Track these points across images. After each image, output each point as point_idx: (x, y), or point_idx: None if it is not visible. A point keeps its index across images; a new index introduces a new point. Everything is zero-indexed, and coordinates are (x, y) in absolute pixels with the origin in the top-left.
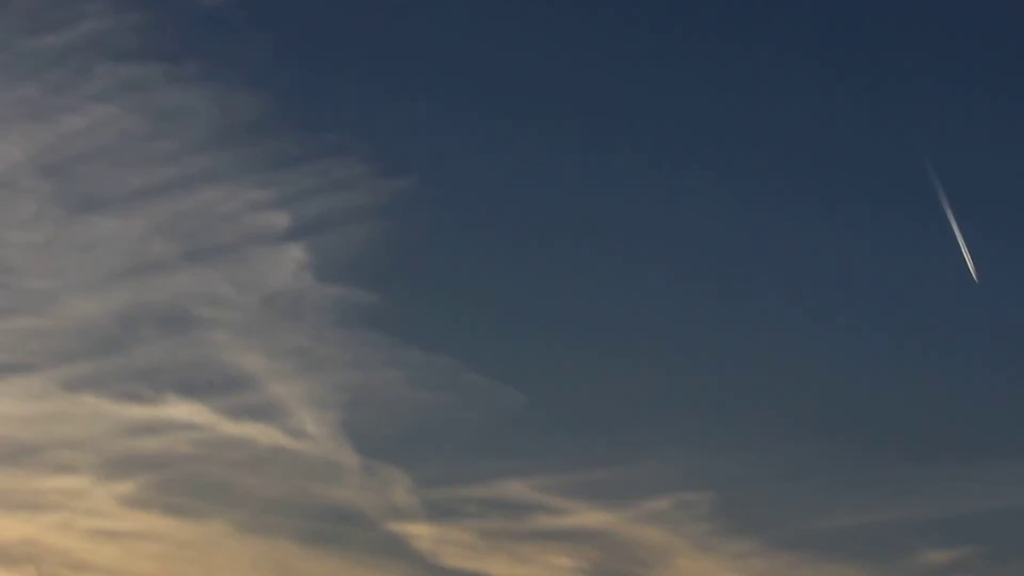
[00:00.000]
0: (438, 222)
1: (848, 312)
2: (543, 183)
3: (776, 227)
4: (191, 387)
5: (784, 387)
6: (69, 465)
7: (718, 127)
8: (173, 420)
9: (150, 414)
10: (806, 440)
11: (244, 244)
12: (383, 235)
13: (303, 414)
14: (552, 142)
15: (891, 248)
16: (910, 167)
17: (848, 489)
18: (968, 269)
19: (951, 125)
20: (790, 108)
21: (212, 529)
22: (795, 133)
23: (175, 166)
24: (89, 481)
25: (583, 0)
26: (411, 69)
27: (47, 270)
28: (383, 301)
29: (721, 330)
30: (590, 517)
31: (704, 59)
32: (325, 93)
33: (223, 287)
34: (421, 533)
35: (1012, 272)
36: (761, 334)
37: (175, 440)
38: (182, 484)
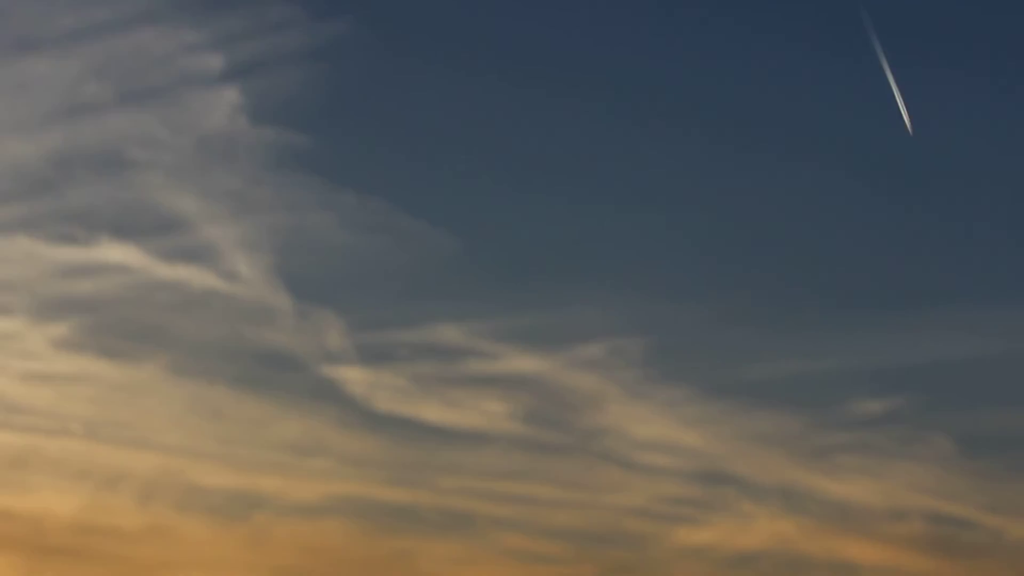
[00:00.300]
0: (372, 65)
1: (785, 161)
2: (478, 25)
3: (713, 70)
4: (125, 229)
5: (719, 235)
6: (2, 307)
7: None
8: (107, 262)
9: (84, 256)
10: (741, 288)
11: (178, 86)
12: (318, 78)
13: (236, 257)
14: None
15: (827, 96)
16: (844, 9)
17: (782, 338)
18: (903, 118)
19: None
20: None
21: (146, 372)
22: None
23: (109, 7)
24: (23, 324)
25: None
26: None
27: None
28: (317, 144)
29: (656, 176)
30: (523, 362)
31: None
32: None
33: (157, 129)
34: (354, 377)
35: (949, 120)
36: (697, 180)
37: (109, 282)
38: (116, 327)
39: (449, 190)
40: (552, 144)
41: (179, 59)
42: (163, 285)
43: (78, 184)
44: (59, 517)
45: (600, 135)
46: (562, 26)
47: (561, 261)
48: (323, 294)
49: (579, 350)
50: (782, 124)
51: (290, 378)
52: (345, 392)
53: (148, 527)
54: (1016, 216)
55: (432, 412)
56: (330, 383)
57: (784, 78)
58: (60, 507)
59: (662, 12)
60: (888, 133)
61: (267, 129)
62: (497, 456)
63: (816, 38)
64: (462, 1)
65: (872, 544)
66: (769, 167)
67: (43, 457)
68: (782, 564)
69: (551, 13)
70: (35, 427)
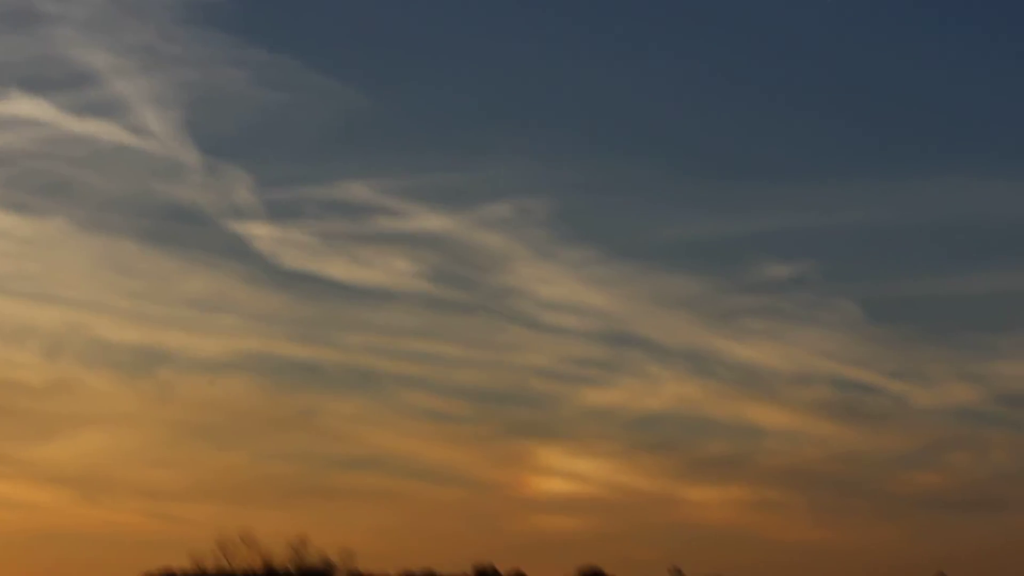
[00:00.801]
0: None
1: (685, 31)
2: None
3: None
4: (35, 83)
5: (628, 97)
6: None
7: None
8: (16, 116)
9: None
10: (650, 151)
11: None
12: None
13: (146, 112)
14: None
15: None
16: None
17: (692, 201)
18: None
19: None
20: None
21: (53, 226)
22: None
23: None
24: None
25: None
26: None
27: None
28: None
29: (571, 39)
30: (430, 221)
31: None
32: None
33: None
34: (261, 233)
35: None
36: (607, 46)
37: (17, 137)
38: (24, 181)
39: (360, 49)
40: (463, 8)
41: None
42: (72, 139)
43: None
44: None
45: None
46: None
47: (471, 120)
48: (232, 150)
49: (487, 210)
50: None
51: (197, 234)
52: (252, 248)
53: (54, 381)
54: (920, 89)
55: (338, 269)
56: (237, 239)
57: None
58: None
59: None
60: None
61: None
62: (403, 314)
63: None
64: None
65: (777, 408)
66: (683, 30)
67: None
68: (687, 426)
69: None
70: None
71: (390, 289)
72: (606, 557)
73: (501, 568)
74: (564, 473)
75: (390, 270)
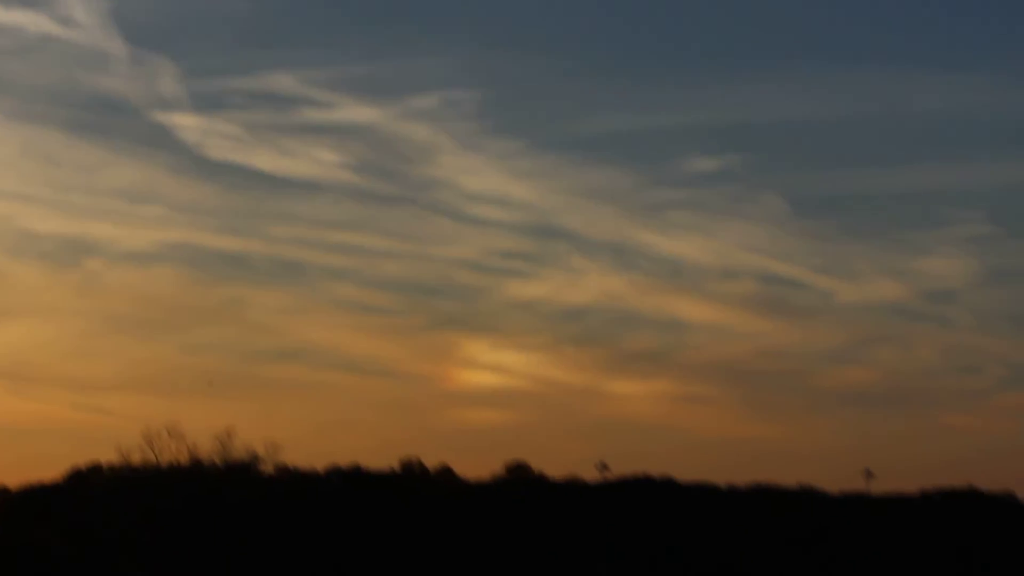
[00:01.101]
0: None
1: None
2: None
3: None
4: None
5: None
6: None
7: None
8: None
9: None
10: (577, 41)
11: None
12: None
13: (73, 2)
14: None
15: None
16: None
17: (618, 92)
18: None
19: None
20: None
21: None
22: None
23: None
24: None
25: None
26: None
27: None
28: None
29: None
30: (357, 112)
31: None
32: None
33: None
34: (187, 124)
35: None
36: None
37: None
38: None
39: None
40: None
41: None
42: None
43: None
44: None
45: None
46: None
47: (398, 12)
48: (158, 40)
49: (412, 101)
50: None
51: (123, 124)
52: (178, 139)
53: None
54: None
55: (265, 160)
56: (163, 130)
57: None
58: None
59: None
60: None
61: None
62: (329, 205)
63: None
64: None
65: (703, 302)
66: None
67: None
68: (613, 320)
69: None
70: None
71: (316, 180)
72: (533, 451)
73: (428, 463)
74: (490, 366)
75: (316, 161)
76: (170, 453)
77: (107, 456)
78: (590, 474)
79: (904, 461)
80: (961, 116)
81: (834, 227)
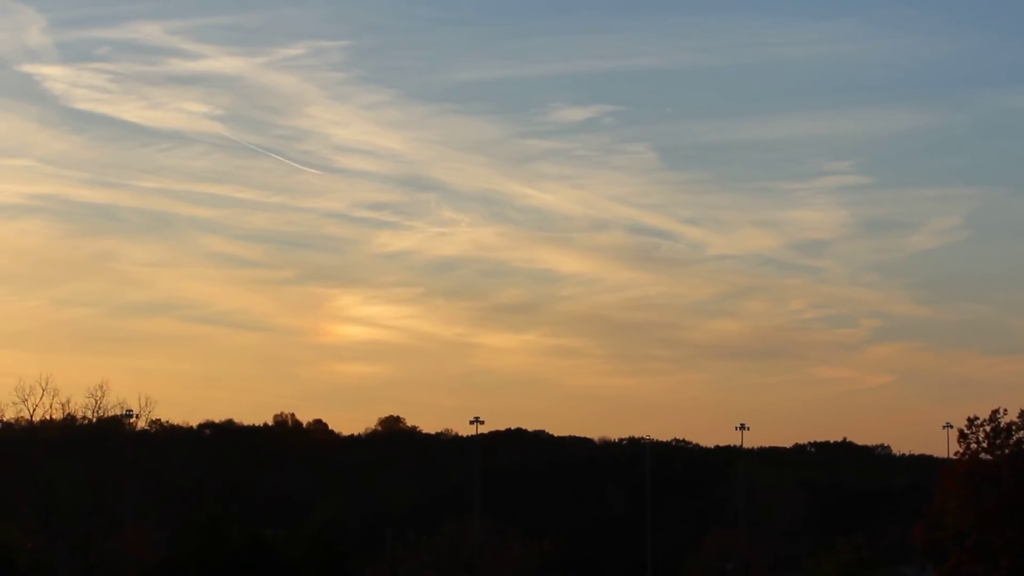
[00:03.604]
0: None
1: None
2: None
3: None
4: None
5: None
6: None
7: None
8: None
9: None
10: None
11: None
12: None
13: None
14: None
15: None
16: None
17: (488, 41)
18: None
19: None
20: None
21: None
22: None
23: None
24: None
25: None
26: None
27: None
28: None
29: None
30: (224, 62)
31: None
32: None
33: None
34: (54, 75)
35: None
36: None
37: None
38: None
39: None
40: None
41: None
42: None
43: None
44: None
45: None
46: None
47: None
48: None
49: (280, 51)
50: None
51: None
52: (45, 90)
53: None
54: None
55: (132, 111)
56: (30, 81)
57: None
58: None
59: None
60: None
61: None
62: (197, 157)
63: None
64: None
65: (573, 253)
66: None
67: None
68: (483, 271)
69: None
70: None
71: (184, 132)
72: (406, 405)
73: (301, 417)
74: (362, 320)
75: (183, 112)
76: (44, 409)
77: None
78: (463, 427)
79: (777, 415)
80: (831, 65)
81: (704, 178)
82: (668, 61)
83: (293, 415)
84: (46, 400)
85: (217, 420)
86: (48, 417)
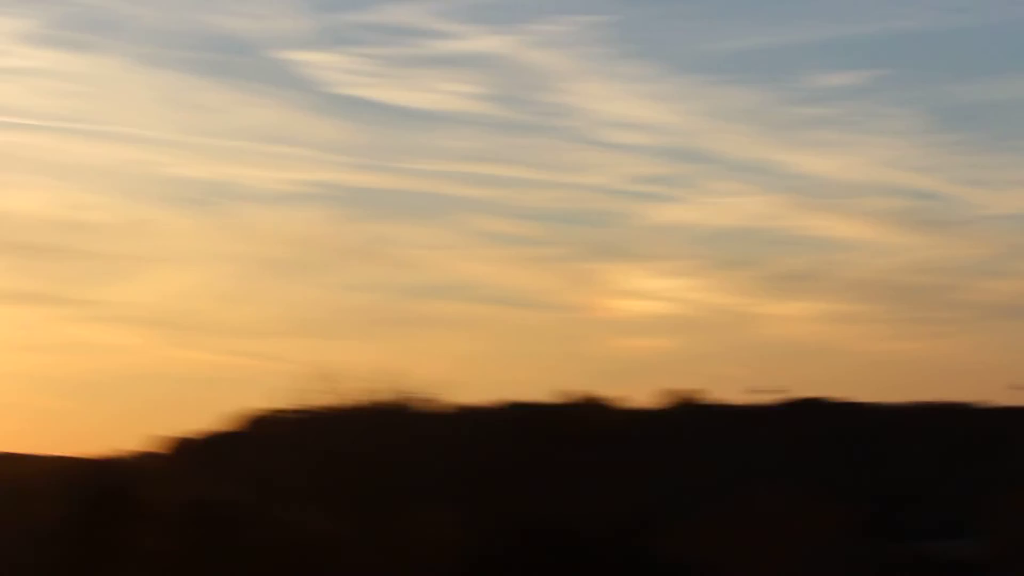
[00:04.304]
0: None
1: None
2: None
3: None
4: None
5: None
6: None
7: None
8: None
9: None
10: None
11: None
12: None
13: None
14: None
15: None
16: None
17: (750, 9)
18: None
19: None
20: None
21: (108, 63)
22: None
23: None
24: None
25: None
26: None
27: None
28: None
29: None
30: (486, 41)
31: None
32: None
33: None
34: (315, 60)
35: None
36: None
37: None
38: (77, 19)
39: None
40: None
41: None
42: None
43: None
44: (32, 215)
45: None
46: None
47: None
48: None
49: (542, 27)
50: None
51: (251, 64)
52: (305, 76)
53: (123, 221)
54: None
55: (396, 94)
56: (290, 67)
57: None
58: (32, 204)
59: None
60: None
61: None
62: (465, 138)
63: None
64: None
65: (848, 219)
66: None
67: (11, 154)
68: (760, 241)
69: None
70: (4, 124)
71: (449, 113)
72: (690, 377)
73: (588, 394)
74: (641, 293)
75: (447, 93)
76: (330, 395)
77: (272, 401)
78: (752, 398)
79: None
80: None
81: (978, 138)
82: (927, 23)
83: (580, 392)
84: (342, 386)
85: (507, 400)
86: (346, 403)
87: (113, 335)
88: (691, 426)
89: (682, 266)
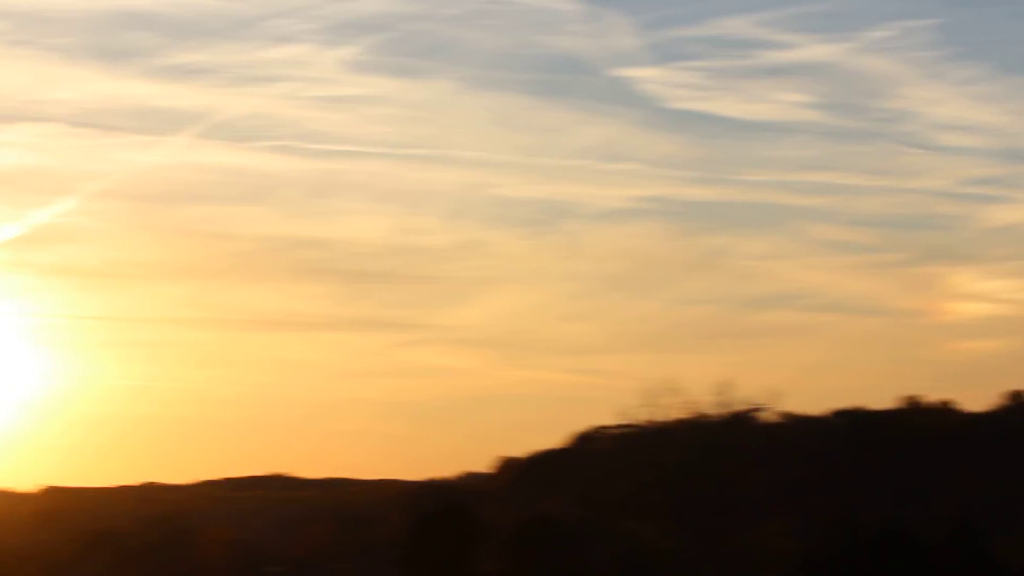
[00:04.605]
0: None
1: None
2: None
3: None
4: None
5: None
6: (288, 33)
7: None
8: None
9: None
10: None
11: None
12: None
13: None
14: None
15: None
16: None
17: None
18: None
19: None
20: None
21: (440, 88)
22: None
23: None
24: (311, 48)
25: None
26: None
27: None
28: None
29: None
30: (815, 50)
31: None
32: None
33: None
34: (647, 76)
35: None
36: None
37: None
38: (406, 44)
39: None
40: None
41: None
42: None
43: None
44: (367, 241)
45: None
46: None
47: None
48: None
49: (869, 34)
50: None
51: (583, 83)
52: (638, 92)
53: (458, 244)
54: None
55: (729, 106)
56: (623, 84)
57: None
58: (367, 231)
59: None
60: None
61: None
62: (798, 147)
63: None
64: None
65: None
66: None
67: (345, 182)
68: None
69: None
70: (334, 152)
71: (782, 122)
72: None
73: (927, 398)
74: (978, 296)
75: (778, 103)
76: (670, 409)
77: (606, 418)
78: None
79: None
80: None
81: None
82: None
83: (919, 397)
84: (673, 400)
85: (844, 407)
86: (676, 417)
87: (450, 358)
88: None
89: (1018, 267)
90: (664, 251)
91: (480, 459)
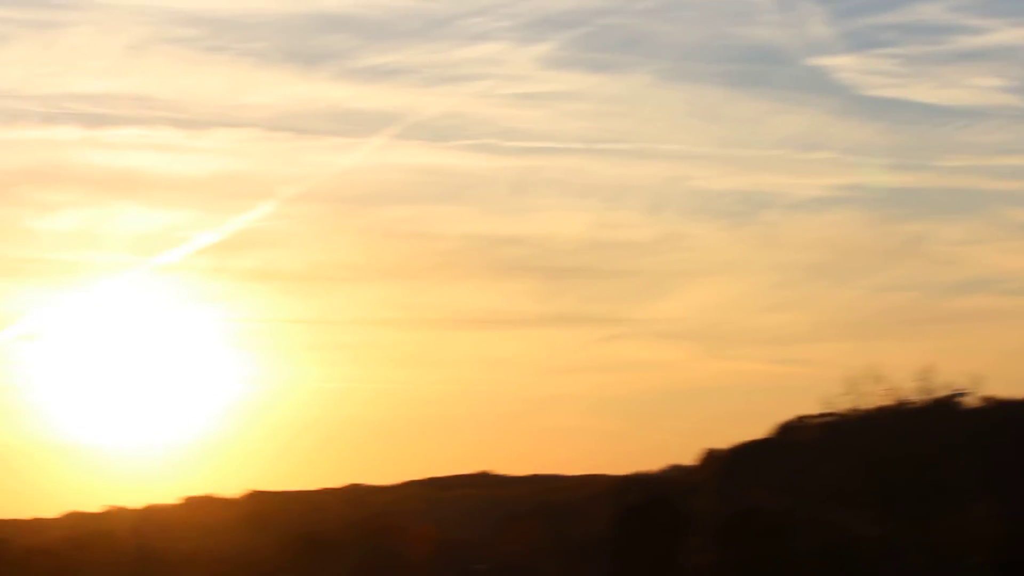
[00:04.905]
0: None
1: None
2: None
3: None
4: None
5: None
6: (484, 32)
7: None
8: None
9: None
10: None
11: None
12: None
13: None
14: None
15: None
16: None
17: None
18: None
19: None
20: None
21: (636, 82)
22: None
23: None
24: (506, 46)
25: None
26: None
27: None
28: None
29: None
30: (1009, 34)
31: None
32: None
33: None
34: (842, 64)
35: None
36: None
37: None
38: (601, 39)
39: None
40: None
41: None
42: None
43: None
44: (567, 237)
45: None
46: None
47: None
48: None
49: None
50: None
51: (779, 73)
52: (834, 80)
53: (657, 237)
54: None
55: (923, 92)
56: (819, 73)
57: None
58: (567, 227)
59: None
60: None
61: None
62: (994, 131)
63: None
64: None
65: None
66: None
67: (543, 178)
68: None
69: None
70: (532, 149)
71: (977, 107)
72: None
73: None
74: None
75: (974, 87)
76: (874, 397)
77: (809, 407)
78: None
79: None
80: None
81: None
82: None
83: None
84: (875, 388)
85: None
86: (878, 405)
87: (652, 351)
88: None
89: None
90: (863, 239)
91: (684, 451)
